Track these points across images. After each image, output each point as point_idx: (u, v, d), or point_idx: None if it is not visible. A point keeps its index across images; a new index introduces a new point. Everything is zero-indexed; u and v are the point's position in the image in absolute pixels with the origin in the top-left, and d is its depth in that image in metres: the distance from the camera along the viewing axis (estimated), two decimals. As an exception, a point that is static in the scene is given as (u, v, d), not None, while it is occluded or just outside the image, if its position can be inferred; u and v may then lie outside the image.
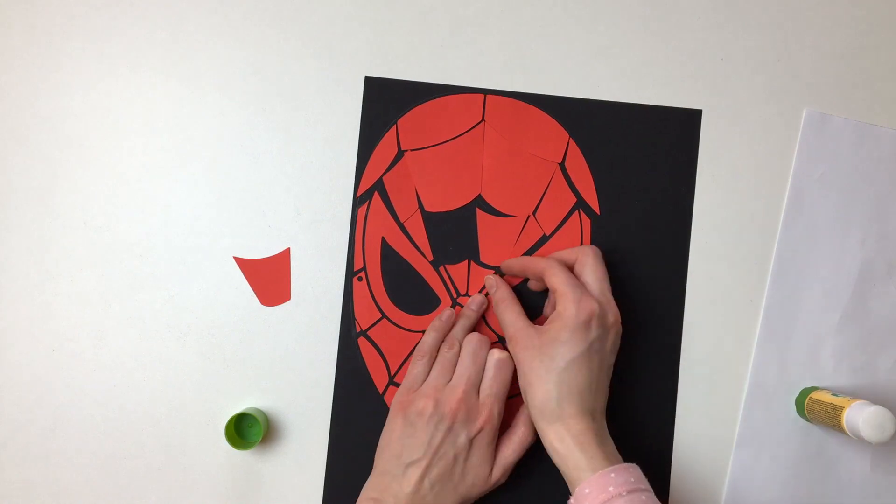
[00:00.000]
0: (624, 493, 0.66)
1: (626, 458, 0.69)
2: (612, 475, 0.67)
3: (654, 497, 0.67)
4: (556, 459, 0.70)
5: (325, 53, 0.80)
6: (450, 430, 0.72)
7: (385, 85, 0.80)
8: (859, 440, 0.71)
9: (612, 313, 0.73)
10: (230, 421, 0.76)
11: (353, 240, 0.80)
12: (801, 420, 0.80)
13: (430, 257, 0.80)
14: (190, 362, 0.79)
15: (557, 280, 0.73)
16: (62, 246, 0.79)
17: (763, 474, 0.80)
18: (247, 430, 0.79)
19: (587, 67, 0.81)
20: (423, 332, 0.79)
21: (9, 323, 0.79)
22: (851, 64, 0.82)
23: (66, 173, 0.79)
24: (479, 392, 0.74)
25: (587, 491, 0.67)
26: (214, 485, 0.79)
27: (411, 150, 0.80)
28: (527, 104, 0.80)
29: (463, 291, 0.80)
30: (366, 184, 0.80)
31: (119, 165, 0.80)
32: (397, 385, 0.80)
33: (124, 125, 0.80)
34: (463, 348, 0.76)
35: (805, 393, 0.79)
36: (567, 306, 0.71)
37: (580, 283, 0.73)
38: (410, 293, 0.80)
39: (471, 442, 0.72)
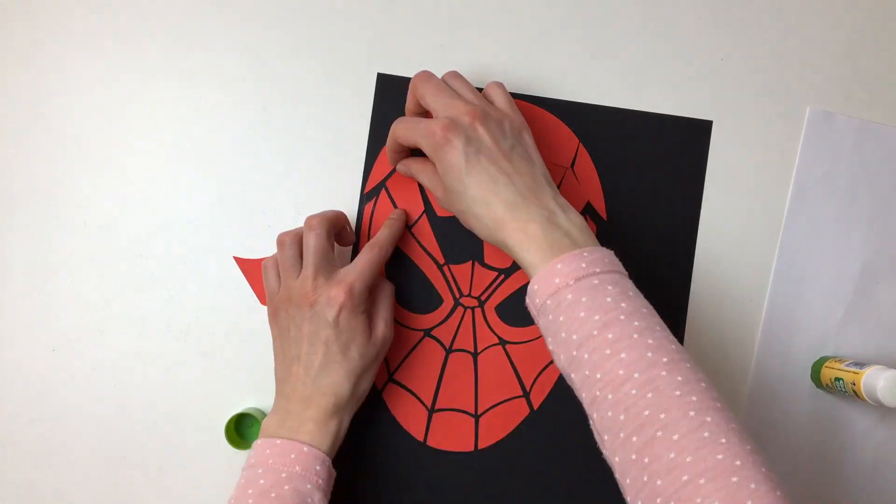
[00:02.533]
0: (571, 283, 0.61)
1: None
2: (559, 266, 0.62)
3: (615, 276, 0.63)
4: (520, 265, 0.66)
5: (335, 51, 0.80)
6: (311, 316, 0.70)
7: (397, 82, 0.80)
8: (878, 406, 0.72)
9: (463, 114, 0.67)
10: (230, 421, 0.76)
11: (359, 236, 0.80)
12: (805, 416, 0.80)
13: (435, 257, 0.80)
14: (190, 362, 0.79)
15: (405, 132, 0.72)
16: (62, 246, 0.79)
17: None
18: (247, 430, 0.79)
19: (593, 70, 0.81)
20: (424, 330, 0.80)
21: (9, 323, 0.79)
22: (855, 62, 0.82)
23: (66, 173, 0.79)
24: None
25: (536, 287, 0.63)
26: (214, 485, 0.79)
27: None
28: (538, 107, 0.80)
29: (466, 292, 0.80)
30: (374, 181, 0.80)
31: (119, 165, 0.79)
32: (396, 382, 0.80)
33: (124, 125, 0.80)
34: (304, 235, 0.73)
35: (820, 362, 0.79)
36: (425, 147, 0.69)
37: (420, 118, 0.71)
38: (413, 291, 0.80)
39: (336, 320, 0.69)
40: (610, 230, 0.80)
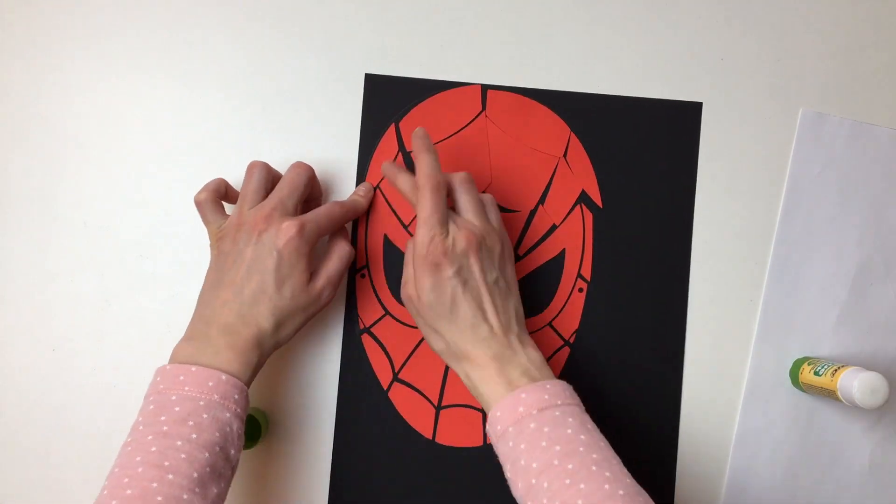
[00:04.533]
0: (534, 412, 0.64)
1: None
2: (523, 395, 0.65)
3: (576, 409, 0.66)
4: (474, 394, 0.70)
5: (325, 52, 0.81)
6: (257, 243, 0.70)
7: (385, 82, 0.80)
8: (854, 407, 0.72)
9: (461, 239, 0.69)
10: (231, 421, 0.76)
11: (356, 237, 0.80)
12: (801, 417, 0.80)
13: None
14: (190, 362, 0.79)
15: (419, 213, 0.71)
16: (62, 246, 0.79)
17: (762, 471, 0.80)
18: (247, 430, 0.78)
19: (587, 64, 0.82)
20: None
21: (9, 323, 0.79)
22: (848, 63, 0.83)
23: (66, 173, 0.79)
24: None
25: (498, 414, 0.66)
26: (215, 485, 0.79)
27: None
28: (528, 98, 0.81)
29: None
30: (368, 181, 0.80)
31: (119, 165, 0.80)
32: (401, 381, 0.80)
33: (124, 125, 0.80)
34: (287, 171, 0.75)
35: (798, 363, 0.79)
36: (417, 250, 0.70)
37: (434, 212, 0.70)
38: (412, 289, 0.80)
39: (280, 252, 0.70)
40: (606, 218, 0.80)
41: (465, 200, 0.73)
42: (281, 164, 0.79)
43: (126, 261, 0.79)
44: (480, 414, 0.80)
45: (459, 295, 0.69)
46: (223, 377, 0.65)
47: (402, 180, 0.74)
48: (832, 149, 0.82)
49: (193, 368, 0.65)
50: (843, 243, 0.82)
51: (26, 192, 0.79)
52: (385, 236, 0.80)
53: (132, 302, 0.79)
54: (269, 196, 0.73)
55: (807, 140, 0.82)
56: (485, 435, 0.79)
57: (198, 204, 0.74)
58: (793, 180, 0.82)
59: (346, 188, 0.80)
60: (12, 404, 0.78)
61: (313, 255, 0.73)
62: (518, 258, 0.80)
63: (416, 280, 0.71)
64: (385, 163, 0.77)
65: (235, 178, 0.79)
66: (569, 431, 0.63)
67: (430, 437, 0.80)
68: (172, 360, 0.68)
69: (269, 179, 0.75)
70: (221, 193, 0.76)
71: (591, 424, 0.66)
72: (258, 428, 0.77)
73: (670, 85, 0.82)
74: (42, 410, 0.78)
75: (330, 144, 0.80)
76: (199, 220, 0.78)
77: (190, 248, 0.80)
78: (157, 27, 0.80)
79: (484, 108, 0.80)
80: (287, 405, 0.79)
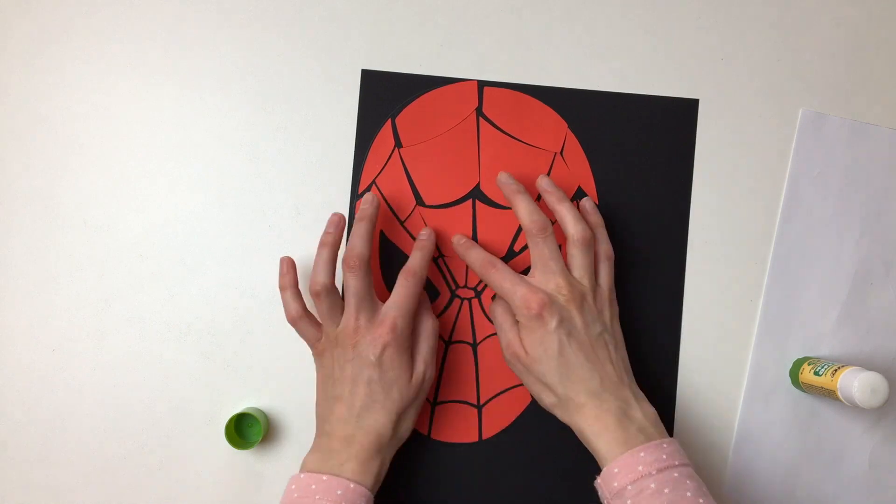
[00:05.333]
0: (654, 472, 0.65)
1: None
2: (642, 454, 0.66)
3: (691, 470, 0.67)
4: (588, 446, 0.70)
5: (321, 48, 0.81)
6: (354, 358, 0.72)
7: (382, 78, 0.81)
8: (854, 407, 0.72)
9: (562, 293, 0.72)
10: (230, 421, 0.76)
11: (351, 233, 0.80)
12: (801, 417, 0.80)
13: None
14: (190, 362, 0.79)
15: (500, 286, 0.74)
16: (62, 246, 0.79)
17: (762, 471, 0.80)
18: (247, 430, 0.79)
19: (585, 63, 0.82)
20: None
21: (9, 323, 0.79)
22: (848, 63, 0.83)
23: (66, 173, 0.80)
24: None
25: (616, 470, 0.66)
26: (214, 485, 0.79)
27: (409, 146, 0.80)
28: (525, 95, 0.81)
29: (462, 283, 0.80)
30: (364, 178, 0.80)
31: (119, 165, 0.80)
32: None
33: (124, 125, 0.80)
34: (344, 276, 0.74)
35: (798, 363, 0.79)
36: (517, 310, 0.73)
37: (519, 278, 0.73)
38: (409, 286, 0.80)
39: (380, 359, 0.72)
40: (602, 215, 0.79)
41: (575, 260, 0.74)
42: (278, 162, 0.80)
43: (126, 261, 0.79)
44: (476, 410, 0.80)
45: (566, 345, 0.71)
46: (350, 485, 0.68)
47: (473, 256, 0.77)
48: (832, 149, 0.82)
49: (324, 477, 0.69)
50: (843, 243, 0.82)
51: (26, 192, 0.79)
52: (381, 232, 0.80)
53: (132, 302, 0.79)
54: (346, 306, 0.74)
55: (807, 140, 0.82)
56: (480, 430, 0.80)
57: (294, 323, 0.75)
58: (793, 180, 0.81)
59: (342, 184, 0.80)
60: (12, 404, 0.79)
61: (410, 343, 0.75)
62: (514, 255, 0.80)
63: (523, 338, 0.72)
64: (455, 237, 0.79)
65: (234, 179, 0.80)
66: (688, 494, 0.64)
67: (426, 433, 0.80)
68: (303, 469, 0.71)
69: (334, 291, 0.75)
70: (297, 281, 0.76)
71: (705, 487, 0.66)
72: (258, 428, 0.77)
73: (669, 84, 0.82)
74: (42, 410, 0.79)
75: (327, 140, 0.80)
76: (199, 219, 0.79)
77: (190, 248, 0.80)
78: (155, 27, 0.80)
79: (480, 104, 0.81)
80: (287, 405, 0.79)
